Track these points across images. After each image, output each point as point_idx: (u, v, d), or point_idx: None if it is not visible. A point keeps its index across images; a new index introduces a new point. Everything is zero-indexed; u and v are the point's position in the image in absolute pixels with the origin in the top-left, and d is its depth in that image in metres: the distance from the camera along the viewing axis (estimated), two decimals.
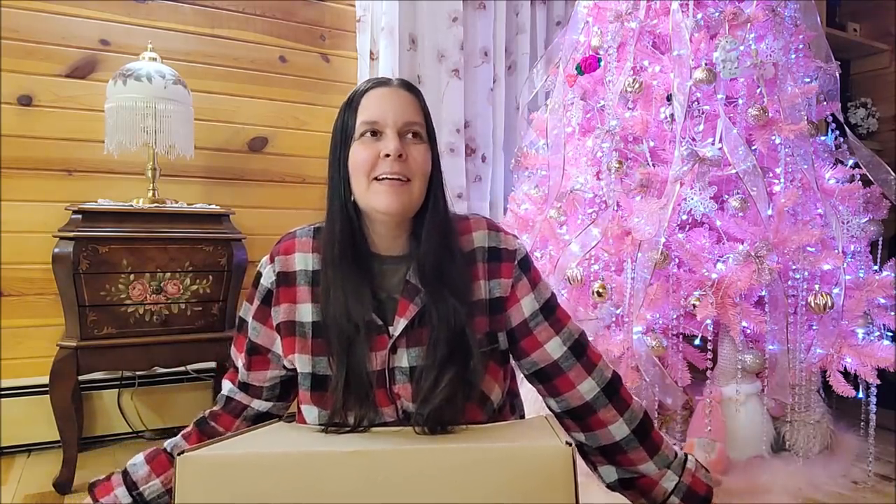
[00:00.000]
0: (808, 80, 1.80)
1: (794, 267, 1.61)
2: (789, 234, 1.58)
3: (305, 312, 0.93)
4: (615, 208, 1.69)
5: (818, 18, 1.92)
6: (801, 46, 1.83)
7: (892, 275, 1.65)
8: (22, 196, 1.84)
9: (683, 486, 0.93)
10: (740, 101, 1.69)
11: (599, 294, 1.63)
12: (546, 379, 0.96)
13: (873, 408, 1.61)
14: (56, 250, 1.54)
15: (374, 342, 0.89)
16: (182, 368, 1.98)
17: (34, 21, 1.86)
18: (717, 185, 1.65)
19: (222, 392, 1.03)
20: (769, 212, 1.60)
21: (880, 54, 2.93)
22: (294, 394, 1.00)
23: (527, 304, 0.95)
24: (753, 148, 1.66)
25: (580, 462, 0.80)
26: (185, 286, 1.67)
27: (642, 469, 0.94)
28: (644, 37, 1.84)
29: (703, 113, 1.71)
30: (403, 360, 0.90)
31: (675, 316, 1.61)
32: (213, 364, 1.92)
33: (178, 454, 0.72)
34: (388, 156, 0.87)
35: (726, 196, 1.70)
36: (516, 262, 0.96)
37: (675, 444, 1.00)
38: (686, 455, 0.98)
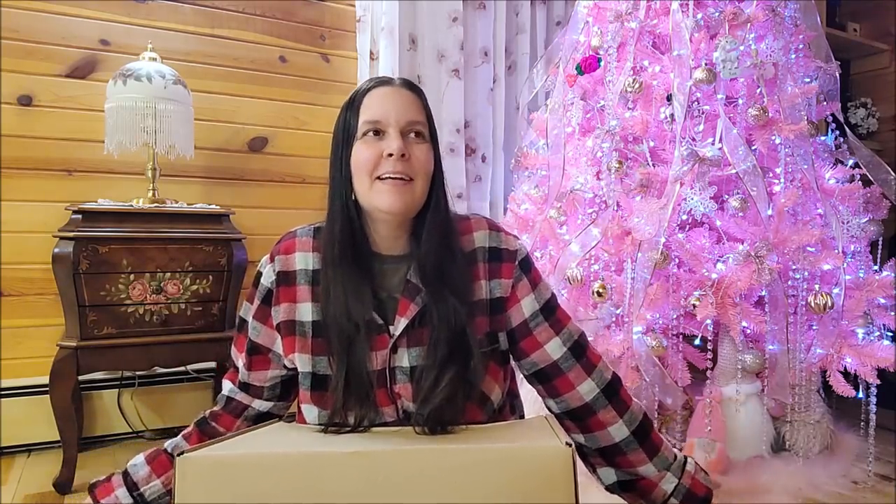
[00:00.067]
0: (808, 80, 1.80)
1: (794, 267, 1.61)
2: (789, 234, 1.58)
3: (305, 312, 0.93)
4: (615, 208, 1.69)
5: (818, 18, 1.92)
6: (801, 46, 1.82)
7: (892, 275, 1.65)
8: (22, 196, 1.85)
9: (683, 489, 0.93)
10: (740, 101, 1.69)
11: (599, 294, 1.63)
12: (546, 380, 0.96)
13: (873, 408, 1.61)
14: (56, 250, 1.54)
15: (374, 342, 0.89)
16: (182, 368, 1.98)
17: (34, 21, 1.86)
18: (717, 185, 1.65)
19: (223, 392, 1.03)
20: (769, 212, 1.60)
21: (880, 54, 2.93)
22: (295, 394, 1.00)
23: (527, 305, 0.95)
24: (753, 148, 1.66)
25: (580, 463, 0.80)
26: (185, 286, 1.67)
27: (641, 471, 0.94)
28: (644, 37, 1.84)
29: (703, 113, 1.71)
30: (404, 359, 0.90)
31: (675, 316, 1.61)
32: (213, 364, 1.92)
33: (178, 455, 0.72)
34: (391, 155, 0.87)
35: (726, 196, 1.70)
36: (517, 263, 0.96)
37: (674, 445, 1.00)
38: (686, 457, 0.98)
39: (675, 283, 1.60)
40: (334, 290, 0.89)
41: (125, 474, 0.96)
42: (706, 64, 1.67)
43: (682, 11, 1.74)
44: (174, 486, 0.72)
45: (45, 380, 1.59)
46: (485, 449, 0.76)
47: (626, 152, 1.78)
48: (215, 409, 1.02)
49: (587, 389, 0.94)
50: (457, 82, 2.37)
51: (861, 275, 1.68)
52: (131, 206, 1.68)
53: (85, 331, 1.56)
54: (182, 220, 1.71)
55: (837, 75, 1.89)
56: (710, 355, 1.61)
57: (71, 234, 1.55)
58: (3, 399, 1.81)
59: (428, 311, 0.89)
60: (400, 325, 0.89)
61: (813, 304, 1.56)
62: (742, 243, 1.59)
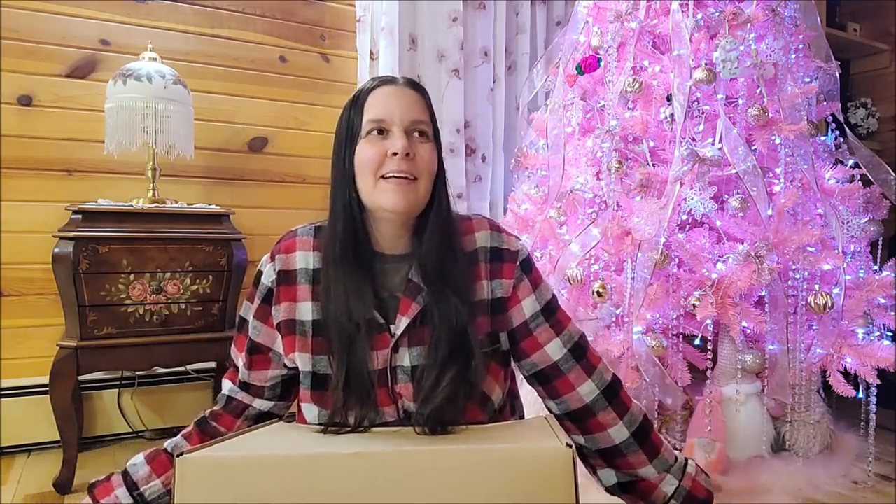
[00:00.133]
0: (808, 80, 1.80)
1: (794, 267, 1.61)
2: (789, 234, 1.58)
3: (306, 311, 0.93)
4: (615, 208, 1.69)
5: (818, 18, 1.92)
6: (801, 46, 1.82)
7: (892, 275, 1.65)
8: (22, 196, 1.84)
9: (683, 491, 0.93)
10: (740, 101, 1.69)
11: (599, 294, 1.63)
12: (546, 381, 0.96)
13: (873, 408, 1.61)
14: (56, 250, 1.54)
15: (375, 341, 0.89)
16: (182, 368, 1.98)
17: (34, 21, 1.86)
18: (717, 185, 1.64)
19: (223, 392, 1.03)
20: (769, 212, 1.60)
21: (880, 54, 2.93)
22: (295, 393, 1.00)
23: (528, 305, 0.95)
24: (753, 148, 1.66)
25: (580, 464, 0.80)
26: (185, 286, 1.67)
27: (642, 473, 0.94)
28: (644, 37, 1.84)
29: (703, 113, 1.71)
30: (405, 359, 0.89)
31: (675, 316, 1.61)
32: (213, 364, 1.92)
33: (178, 455, 0.72)
34: (395, 154, 0.87)
35: (726, 196, 1.70)
36: (518, 263, 0.96)
37: (674, 445, 1.00)
38: (686, 459, 0.98)
39: (675, 283, 1.60)
40: (335, 288, 0.89)
41: (125, 474, 0.96)
42: (706, 64, 1.67)
43: (682, 11, 1.74)
44: (174, 487, 0.72)
45: (45, 380, 1.59)
46: (485, 450, 0.76)
47: (626, 152, 1.78)
48: (215, 408, 1.02)
49: (587, 391, 0.94)
50: (457, 82, 2.37)
51: (861, 275, 1.68)
52: (131, 206, 1.68)
53: (85, 331, 1.56)
54: (182, 220, 1.71)
55: (837, 75, 1.89)
56: (710, 355, 1.61)
57: (71, 234, 1.55)
58: (3, 399, 1.81)
59: (429, 310, 0.89)
60: (401, 324, 0.89)
61: (813, 304, 1.56)
62: (742, 243, 1.59)
